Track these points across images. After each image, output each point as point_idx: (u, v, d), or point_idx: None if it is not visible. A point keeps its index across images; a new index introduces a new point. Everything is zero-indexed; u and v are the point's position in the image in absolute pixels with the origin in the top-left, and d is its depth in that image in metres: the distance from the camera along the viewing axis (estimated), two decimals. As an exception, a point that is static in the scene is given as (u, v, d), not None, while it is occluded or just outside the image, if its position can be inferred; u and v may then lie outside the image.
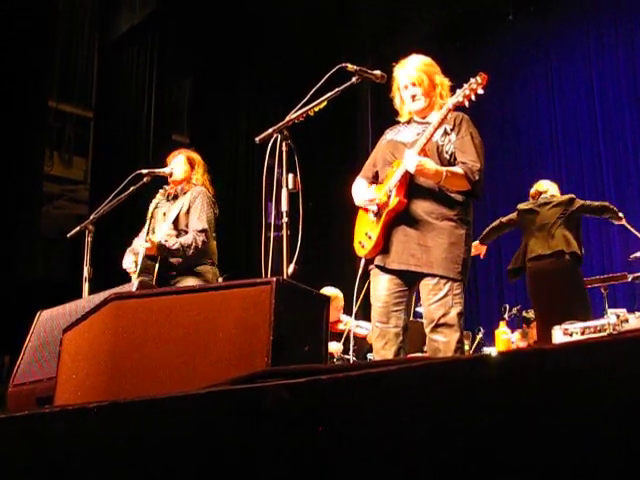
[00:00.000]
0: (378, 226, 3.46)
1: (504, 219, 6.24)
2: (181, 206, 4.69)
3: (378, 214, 3.48)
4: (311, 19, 9.59)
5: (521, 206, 6.14)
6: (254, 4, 9.56)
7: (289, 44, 10.13)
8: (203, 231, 4.57)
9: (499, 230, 6.25)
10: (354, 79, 3.39)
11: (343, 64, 3.36)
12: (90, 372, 2.56)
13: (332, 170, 9.59)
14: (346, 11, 9.52)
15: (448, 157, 3.45)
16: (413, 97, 3.56)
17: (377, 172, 3.68)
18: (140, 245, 4.48)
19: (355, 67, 3.38)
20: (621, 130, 9.08)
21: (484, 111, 10.38)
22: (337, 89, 3.33)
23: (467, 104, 3.36)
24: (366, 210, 3.58)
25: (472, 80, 3.32)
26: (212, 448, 1.41)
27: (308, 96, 3.32)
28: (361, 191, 3.65)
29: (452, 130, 3.48)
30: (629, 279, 6.27)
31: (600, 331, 4.73)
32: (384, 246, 3.48)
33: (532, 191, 6.14)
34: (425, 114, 3.59)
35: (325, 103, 3.32)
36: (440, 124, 3.34)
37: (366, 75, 3.44)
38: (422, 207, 3.41)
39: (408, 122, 3.69)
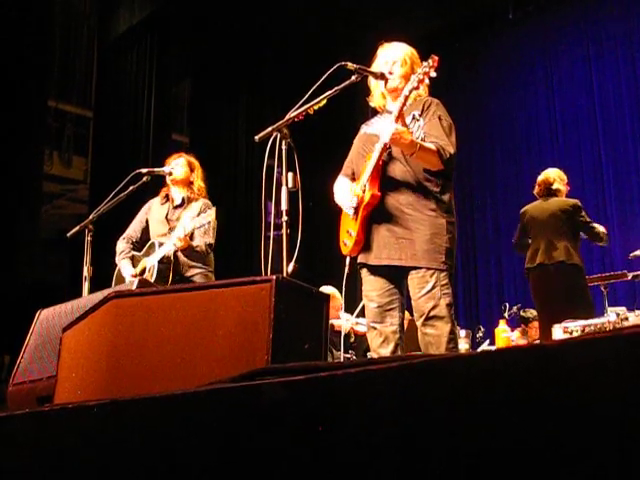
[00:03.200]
0: (357, 222, 3.45)
1: (515, 237, 6.25)
2: (190, 215, 4.72)
3: (356, 210, 3.48)
4: (310, 18, 9.59)
5: (524, 210, 6.14)
6: (253, 3, 9.55)
7: (288, 43, 10.13)
8: (210, 245, 4.73)
9: (522, 245, 6.23)
10: (354, 77, 3.39)
11: (343, 62, 3.34)
12: (90, 371, 2.56)
13: (332, 169, 9.58)
14: (345, 10, 9.51)
15: None
16: (390, 73, 3.53)
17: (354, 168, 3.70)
18: (174, 238, 4.51)
19: (355, 65, 3.37)
20: (621, 127, 9.08)
21: (484, 109, 10.41)
22: (337, 87, 3.33)
23: (422, 88, 3.39)
24: None
25: (424, 64, 3.32)
26: (212, 446, 1.41)
27: (308, 95, 3.32)
28: (341, 192, 3.65)
29: (420, 115, 3.47)
30: (629, 277, 6.27)
31: (600, 329, 4.73)
32: (366, 242, 3.47)
33: (540, 179, 6.11)
34: (396, 96, 3.55)
35: (325, 101, 3.32)
36: (402, 106, 3.31)
37: (366, 73, 3.44)
38: (399, 199, 3.39)
39: (382, 112, 3.68)
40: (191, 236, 4.64)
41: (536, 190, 6.12)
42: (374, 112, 3.88)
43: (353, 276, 3.72)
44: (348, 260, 3.61)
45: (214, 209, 4.78)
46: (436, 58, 3.29)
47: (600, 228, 5.88)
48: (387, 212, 3.40)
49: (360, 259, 3.52)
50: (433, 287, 3.30)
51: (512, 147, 10.04)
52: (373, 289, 3.50)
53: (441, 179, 3.43)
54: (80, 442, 1.66)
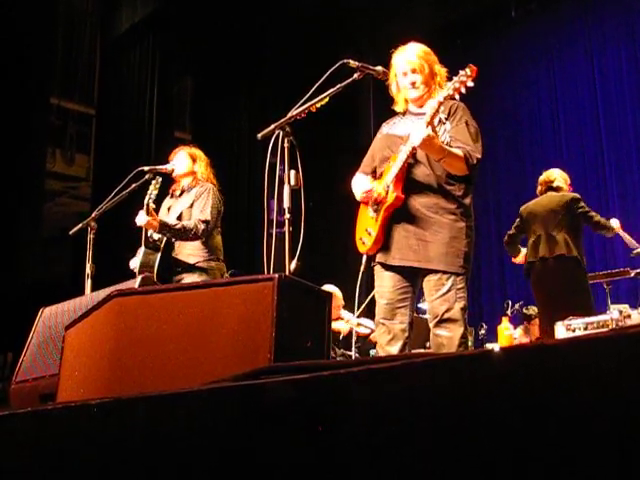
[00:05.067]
0: (377, 222, 3.45)
1: (511, 231, 6.23)
2: (186, 201, 4.69)
3: (377, 210, 3.47)
4: (312, 16, 9.58)
5: (523, 208, 6.13)
6: (253, 3, 9.55)
7: (290, 41, 10.12)
8: (205, 222, 4.55)
9: (514, 242, 6.22)
10: (356, 75, 3.38)
11: (345, 60, 3.34)
12: (92, 369, 2.56)
13: (334, 166, 9.61)
14: (347, 9, 9.50)
15: None
16: (413, 84, 3.50)
17: (376, 167, 3.66)
18: (140, 216, 4.44)
19: (357, 63, 3.36)
20: (623, 123, 9.07)
21: (486, 107, 10.38)
22: (339, 85, 3.32)
23: (458, 97, 3.32)
24: (366, 204, 3.57)
25: (461, 72, 3.26)
26: (214, 444, 1.41)
27: (310, 92, 3.31)
28: (360, 185, 3.63)
29: (447, 119, 3.45)
30: (632, 274, 6.26)
31: (603, 327, 4.73)
32: (384, 242, 3.46)
33: (541, 178, 6.11)
34: (422, 103, 3.54)
35: (327, 99, 3.31)
36: (436, 112, 3.29)
37: (368, 71, 3.42)
38: (421, 202, 3.39)
39: (404, 114, 3.65)
40: (187, 220, 4.59)
41: (538, 189, 6.11)
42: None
43: (363, 277, 3.71)
44: (365, 258, 3.60)
45: (211, 188, 4.70)
46: (474, 68, 3.24)
47: (599, 217, 5.85)
48: (408, 213, 3.40)
49: (378, 258, 3.51)
50: (449, 290, 3.31)
51: (515, 144, 10.03)
52: (386, 285, 3.49)
53: (463, 183, 3.43)
54: (82, 441, 1.66)
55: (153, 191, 4.50)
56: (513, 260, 6.37)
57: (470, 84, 3.25)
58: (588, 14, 9.59)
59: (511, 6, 9.65)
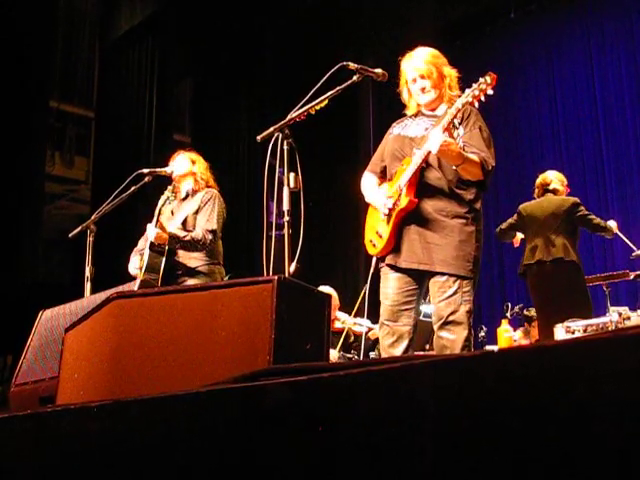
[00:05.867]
0: (389, 225, 3.44)
1: (503, 226, 6.22)
2: (191, 207, 4.69)
3: (389, 213, 3.46)
4: (312, 16, 9.60)
5: (522, 208, 6.12)
6: (253, 3, 9.56)
7: (290, 41, 10.13)
8: (212, 232, 4.56)
9: (506, 235, 6.22)
10: (355, 77, 3.37)
11: (344, 63, 3.33)
12: (92, 371, 2.56)
13: (333, 169, 9.62)
14: (347, 11, 9.51)
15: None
16: (423, 90, 3.51)
17: (385, 167, 3.65)
18: (150, 230, 4.45)
19: (356, 65, 3.35)
20: (622, 125, 9.08)
21: (485, 109, 10.38)
22: (338, 88, 3.31)
23: (477, 104, 3.31)
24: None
25: (481, 80, 3.23)
26: (214, 446, 1.41)
27: (309, 95, 3.30)
28: (372, 189, 3.61)
29: (460, 124, 3.45)
30: (631, 277, 6.24)
31: (602, 329, 4.72)
32: (395, 245, 3.46)
33: (538, 181, 6.10)
34: (434, 106, 3.55)
35: (326, 102, 3.31)
36: (454, 118, 3.28)
37: (367, 73, 3.42)
38: (432, 205, 3.38)
39: (415, 115, 3.64)
40: (191, 226, 4.60)
41: (535, 193, 6.11)
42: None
43: (362, 278, 3.71)
44: (374, 260, 3.60)
45: (216, 196, 4.70)
46: (494, 76, 3.20)
47: (599, 220, 5.85)
48: (419, 216, 3.39)
49: (388, 260, 3.50)
50: (455, 293, 3.30)
51: (514, 145, 10.02)
52: (391, 287, 3.48)
53: (474, 187, 3.43)
54: (82, 443, 1.66)
55: (168, 198, 4.58)
56: (514, 245, 6.35)
57: (490, 92, 3.21)
58: (588, 14, 9.60)
59: (510, 7, 9.66)
